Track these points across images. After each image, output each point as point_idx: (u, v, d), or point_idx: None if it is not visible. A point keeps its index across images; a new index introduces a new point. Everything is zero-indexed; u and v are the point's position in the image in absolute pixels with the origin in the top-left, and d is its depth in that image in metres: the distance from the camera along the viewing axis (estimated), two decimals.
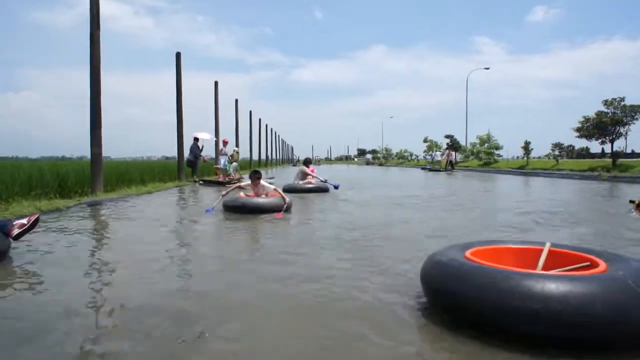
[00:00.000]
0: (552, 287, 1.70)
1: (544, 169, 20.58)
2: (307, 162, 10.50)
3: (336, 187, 9.57)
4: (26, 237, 3.84)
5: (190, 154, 14.36)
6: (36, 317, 2.12)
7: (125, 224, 5.21)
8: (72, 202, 6.87)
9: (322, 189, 9.41)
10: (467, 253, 2.22)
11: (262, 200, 6.05)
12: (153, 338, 1.86)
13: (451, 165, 28.00)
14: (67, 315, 2.13)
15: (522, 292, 1.72)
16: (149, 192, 9.70)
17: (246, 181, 6.66)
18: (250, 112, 31.62)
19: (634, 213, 6.09)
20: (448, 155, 30.46)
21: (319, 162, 77.69)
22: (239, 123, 25.40)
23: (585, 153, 56.54)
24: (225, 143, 15.32)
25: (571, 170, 18.63)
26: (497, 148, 29.92)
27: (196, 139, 14.56)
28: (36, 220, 3.49)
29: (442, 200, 8.15)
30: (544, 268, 2.25)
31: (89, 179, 8.66)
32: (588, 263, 2.16)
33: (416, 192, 9.99)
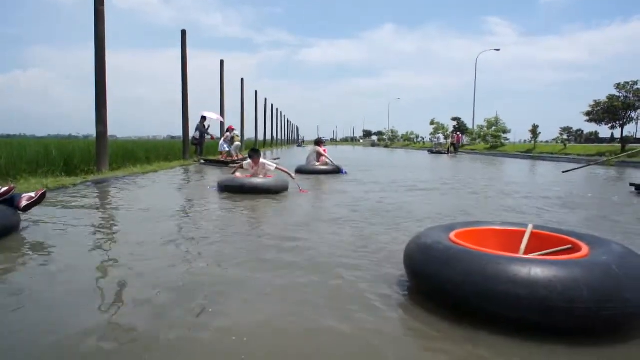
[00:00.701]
0: (539, 272, 1.68)
1: (551, 153, 20.38)
2: (319, 142, 10.36)
3: (345, 173, 9.59)
4: (35, 212, 3.94)
5: (195, 131, 14.17)
6: (44, 291, 2.18)
7: (130, 202, 5.26)
8: (79, 180, 6.94)
9: (335, 171, 9.51)
10: (452, 235, 2.19)
11: (259, 180, 6.03)
12: (159, 314, 1.91)
13: (454, 148, 27.88)
14: (73, 291, 2.19)
15: (509, 277, 1.70)
16: (155, 171, 9.77)
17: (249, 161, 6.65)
18: (256, 91, 31.41)
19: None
20: (458, 138, 30.58)
21: (324, 143, 77.28)
22: (244, 102, 25.30)
23: (594, 138, 55.74)
24: (230, 130, 14.68)
25: (578, 154, 18.44)
26: (505, 131, 29.63)
27: (203, 118, 14.33)
28: (43, 195, 3.63)
29: (442, 185, 8.14)
30: (527, 250, 2.24)
31: (94, 157, 8.73)
32: (570, 246, 2.15)
33: (421, 176, 9.96)
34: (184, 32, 14.40)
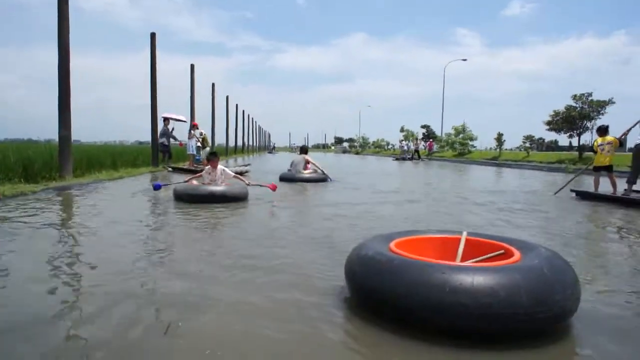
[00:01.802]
0: (482, 280, 1.69)
1: (515, 161, 21.22)
2: (305, 150, 10.17)
3: (331, 181, 9.58)
4: None
5: (162, 137, 13.33)
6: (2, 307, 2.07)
7: (93, 211, 5.07)
8: (39, 187, 6.63)
9: (322, 179, 9.31)
10: (392, 245, 2.19)
11: (225, 188, 5.71)
12: (126, 330, 1.85)
13: (417, 155, 28.56)
14: (30, 309, 2.09)
15: (454, 287, 1.68)
16: (121, 178, 9.46)
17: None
18: (227, 97, 31.05)
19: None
20: (430, 145, 31.89)
21: (295, 150, 76.98)
22: (215, 108, 24.94)
23: (554, 146, 58.42)
24: (194, 127, 13.90)
25: (540, 162, 19.29)
26: (472, 139, 30.60)
27: (166, 120, 13.48)
28: None
29: (403, 191, 8.30)
30: (463, 257, 2.31)
31: (57, 163, 8.36)
32: (502, 251, 2.23)
33: (386, 183, 10.10)
34: (153, 35, 14.10)
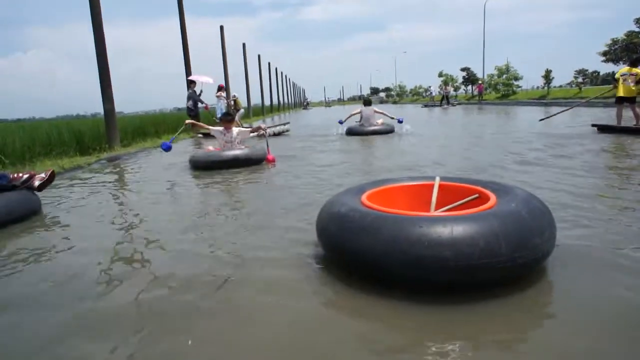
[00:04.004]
0: (460, 230, 1.60)
1: (565, 98, 19.80)
2: (369, 102, 10.03)
3: (400, 122, 9.54)
4: (55, 192, 4.06)
5: (189, 101, 12.86)
6: (69, 270, 2.30)
7: (146, 177, 5.35)
8: (93, 159, 7.06)
9: (391, 130, 9.33)
10: (363, 198, 2.11)
11: (245, 151, 5.37)
12: (184, 286, 2.01)
13: (447, 101, 27.14)
14: (101, 268, 2.30)
15: (433, 239, 1.59)
16: None
17: (238, 127, 6.06)
18: (259, 56, 30.71)
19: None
20: (480, 88, 30.33)
21: (329, 104, 75.80)
22: (248, 68, 24.86)
23: (611, 79, 53.65)
24: (220, 88, 13.68)
25: (596, 97, 17.83)
26: (517, 79, 28.73)
27: (192, 83, 12.96)
28: (52, 174, 3.86)
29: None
30: (437, 204, 2.23)
31: (105, 135, 8.82)
32: (477, 195, 2.14)
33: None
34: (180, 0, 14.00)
